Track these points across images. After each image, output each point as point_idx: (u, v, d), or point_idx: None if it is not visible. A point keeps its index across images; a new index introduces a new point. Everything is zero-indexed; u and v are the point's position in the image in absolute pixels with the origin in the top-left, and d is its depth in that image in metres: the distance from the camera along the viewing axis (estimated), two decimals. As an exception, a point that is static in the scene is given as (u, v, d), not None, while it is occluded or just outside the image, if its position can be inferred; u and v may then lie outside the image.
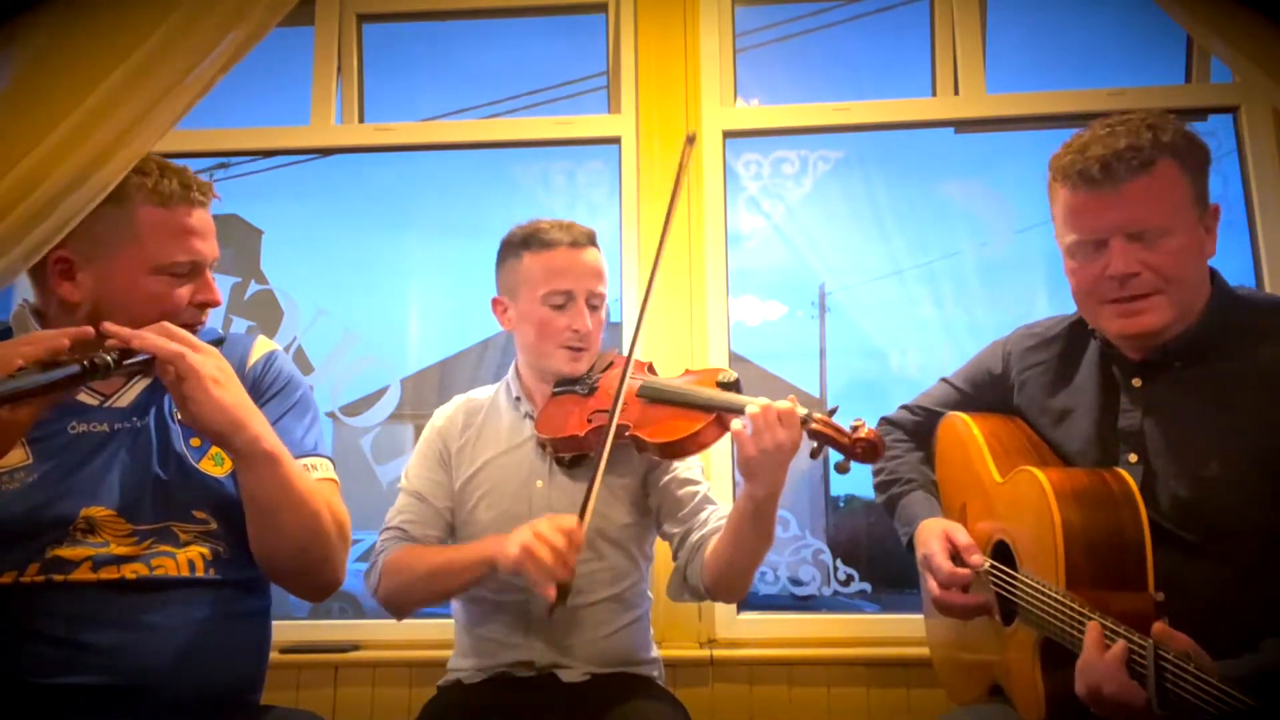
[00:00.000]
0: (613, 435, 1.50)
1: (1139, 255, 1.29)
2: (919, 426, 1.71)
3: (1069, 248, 1.35)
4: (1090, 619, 1.12)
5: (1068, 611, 1.17)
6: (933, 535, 1.48)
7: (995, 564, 1.39)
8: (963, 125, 2.40)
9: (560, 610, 1.44)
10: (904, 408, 1.75)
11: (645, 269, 2.24)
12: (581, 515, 1.44)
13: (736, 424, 1.41)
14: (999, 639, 1.40)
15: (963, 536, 1.45)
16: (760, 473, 1.39)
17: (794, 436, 1.38)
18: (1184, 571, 1.23)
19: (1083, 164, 1.29)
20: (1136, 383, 1.38)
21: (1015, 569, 1.34)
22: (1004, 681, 1.40)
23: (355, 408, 2.50)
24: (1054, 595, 1.21)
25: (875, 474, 1.70)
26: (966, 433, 1.54)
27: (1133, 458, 1.35)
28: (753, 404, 1.40)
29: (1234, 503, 1.26)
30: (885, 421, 1.75)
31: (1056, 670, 1.23)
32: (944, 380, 1.71)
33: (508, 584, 1.55)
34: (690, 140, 1.69)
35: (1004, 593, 1.35)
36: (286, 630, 2.15)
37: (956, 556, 1.43)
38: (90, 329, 1.14)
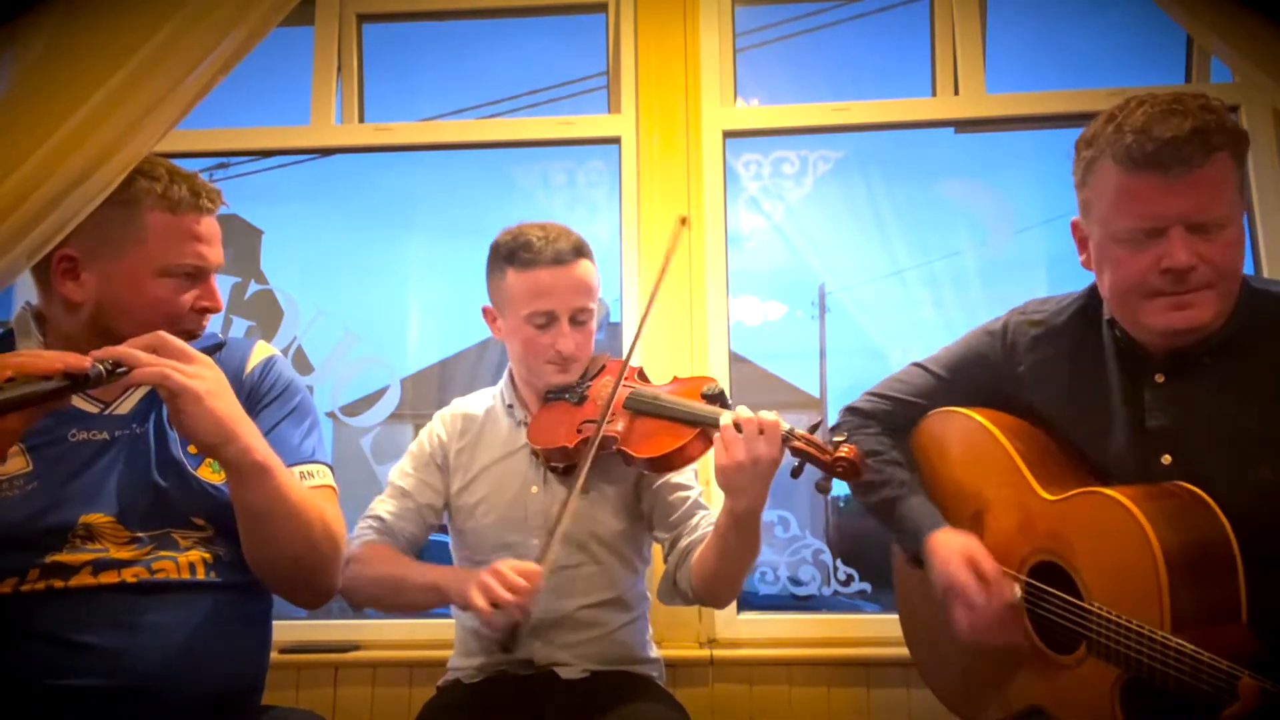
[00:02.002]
0: (594, 451, 1.50)
1: (1198, 248, 1.21)
2: (891, 418, 1.58)
3: (1116, 235, 1.26)
4: (1238, 675, 1.03)
5: (1180, 659, 1.09)
6: (954, 560, 1.36)
7: (1044, 587, 1.32)
8: (963, 125, 2.40)
9: (515, 647, 1.44)
10: (873, 396, 1.60)
11: (645, 269, 2.25)
12: (542, 555, 1.44)
13: (716, 434, 1.40)
14: (1045, 665, 1.32)
15: (987, 561, 1.34)
16: (738, 486, 1.38)
17: (773, 451, 1.35)
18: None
19: (1151, 146, 1.19)
20: (1159, 379, 1.31)
21: (1075, 595, 1.26)
22: (1057, 711, 1.32)
23: (355, 408, 2.50)
24: (1158, 638, 1.12)
25: None
26: (983, 435, 1.45)
27: (1166, 459, 1.30)
28: (729, 415, 1.39)
29: None
30: (853, 412, 1.61)
31: (1142, 711, 1.18)
32: (919, 365, 1.59)
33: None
34: (684, 222, 1.64)
35: (1057, 620, 1.28)
36: (286, 630, 2.15)
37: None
38: (87, 363, 1.12)
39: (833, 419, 1.68)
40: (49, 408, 1.10)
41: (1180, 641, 1.10)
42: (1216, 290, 1.23)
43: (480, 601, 1.38)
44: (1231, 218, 1.22)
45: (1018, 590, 1.34)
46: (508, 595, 1.37)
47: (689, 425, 1.49)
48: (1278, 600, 1.15)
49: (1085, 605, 1.24)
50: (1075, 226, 1.36)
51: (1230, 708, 1.04)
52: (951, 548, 1.39)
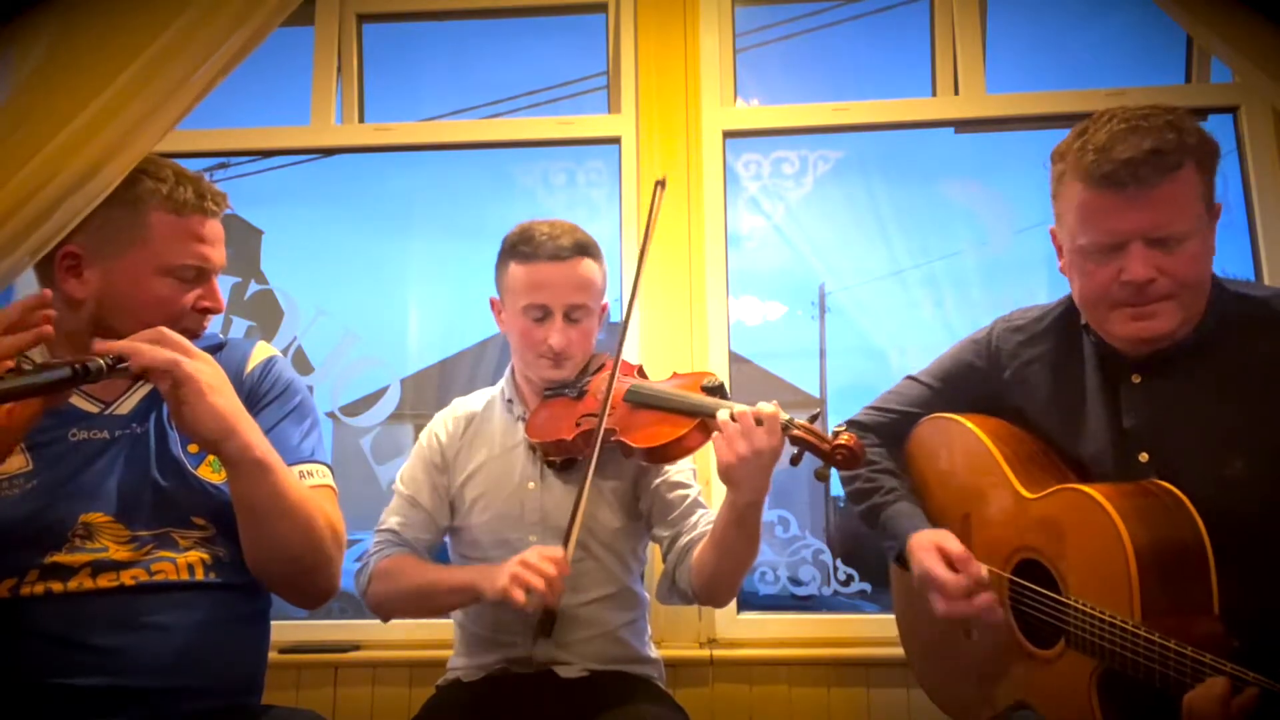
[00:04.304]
0: (599, 446, 1.51)
1: (1158, 261, 1.25)
2: (890, 429, 1.63)
3: (1082, 248, 1.30)
4: (1202, 659, 1.05)
5: (1150, 648, 1.12)
6: (924, 550, 1.41)
7: (1025, 583, 1.34)
8: (963, 125, 2.40)
9: (545, 640, 1.47)
10: (872, 409, 1.66)
11: (645, 269, 2.24)
12: (565, 542, 1.46)
13: (716, 431, 1.40)
14: (1029, 660, 1.35)
15: (954, 545, 1.39)
16: (740, 479, 1.38)
17: (774, 442, 1.36)
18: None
19: (1109, 166, 1.23)
20: (1135, 379, 1.35)
21: (1057, 592, 1.28)
22: (1040, 705, 1.34)
23: (355, 408, 2.50)
24: (1128, 628, 1.15)
25: (848, 481, 1.61)
26: (970, 438, 1.48)
27: (1143, 456, 1.33)
28: (731, 408, 1.39)
29: (1258, 503, 1.23)
30: (852, 425, 1.66)
31: (1118, 701, 1.20)
32: (911, 378, 1.64)
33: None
34: (661, 184, 1.66)
35: (1039, 615, 1.31)
36: (286, 630, 2.15)
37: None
38: (48, 292, 1.13)
39: (833, 418, 1.69)
40: (52, 400, 1.10)
41: (1148, 630, 1.13)
42: (1178, 301, 1.27)
43: (516, 592, 1.39)
44: (1193, 231, 1.25)
45: (983, 568, 1.37)
46: (539, 582, 1.38)
47: (688, 416, 1.49)
48: (1252, 592, 1.17)
49: (1063, 599, 1.27)
50: (1053, 234, 1.41)
51: (1191, 691, 1.06)
52: (923, 541, 1.43)
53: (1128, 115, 1.27)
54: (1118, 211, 1.25)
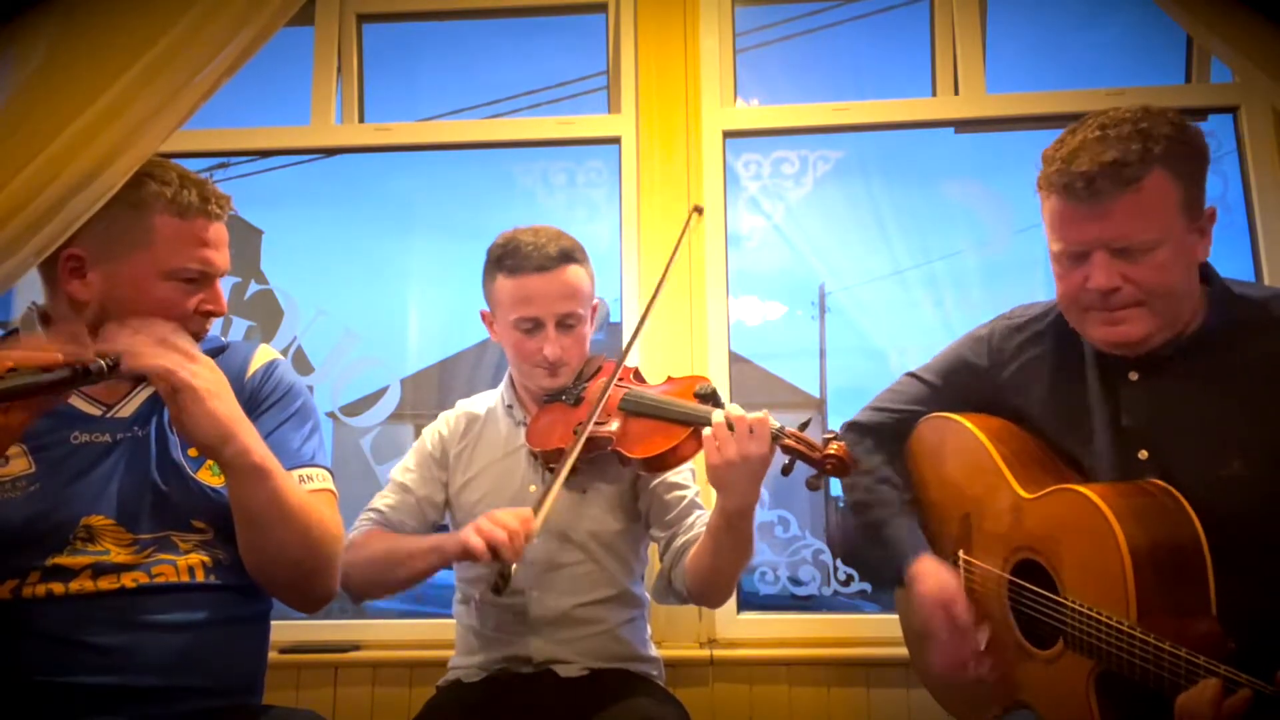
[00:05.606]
0: (581, 448, 1.52)
1: (1121, 269, 1.26)
2: (890, 430, 1.62)
3: (1054, 253, 1.33)
4: (1196, 661, 1.06)
5: (1145, 649, 1.12)
6: (930, 605, 1.42)
7: (1023, 583, 1.35)
8: (963, 125, 2.40)
9: (505, 593, 1.46)
10: (872, 409, 1.65)
11: (644, 269, 2.25)
12: (536, 509, 1.46)
13: (707, 432, 1.41)
14: (1028, 661, 1.35)
15: (961, 610, 1.40)
16: (728, 483, 1.39)
17: (762, 449, 1.36)
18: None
19: (1067, 177, 1.24)
20: (1133, 376, 1.35)
21: (1055, 592, 1.29)
22: (1039, 705, 1.35)
23: (355, 408, 2.50)
24: (1124, 629, 1.15)
25: (848, 491, 1.60)
26: (969, 438, 1.48)
27: (1142, 455, 1.33)
28: (720, 414, 1.39)
29: (1257, 503, 1.23)
30: (851, 428, 1.65)
31: (1116, 702, 1.21)
32: (912, 375, 1.64)
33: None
34: (698, 211, 1.67)
35: (1038, 615, 1.32)
36: (286, 630, 2.15)
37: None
38: (88, 355, 1.13)
39: (833, 418, 1.70)
40: (53, 401, 1.10)
41: (1144, 632, 1.13)
42: (1148, 308, 1.28)
43: (477, 542, 1.40)
44: (1162, 239, 1.25)
45: (984, 637, 1.39)
46: (501, 534, 1.39)
47: (682, 425, 1.50)
48: (1250, 593, 1.18)
49: (1061, 600, 1.27)
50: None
51: (1184, 692, 1.07)
52: (930, 586, 1.43)
53: (1104, 122, 1.26)
54: (1079, 221, 1.26)
